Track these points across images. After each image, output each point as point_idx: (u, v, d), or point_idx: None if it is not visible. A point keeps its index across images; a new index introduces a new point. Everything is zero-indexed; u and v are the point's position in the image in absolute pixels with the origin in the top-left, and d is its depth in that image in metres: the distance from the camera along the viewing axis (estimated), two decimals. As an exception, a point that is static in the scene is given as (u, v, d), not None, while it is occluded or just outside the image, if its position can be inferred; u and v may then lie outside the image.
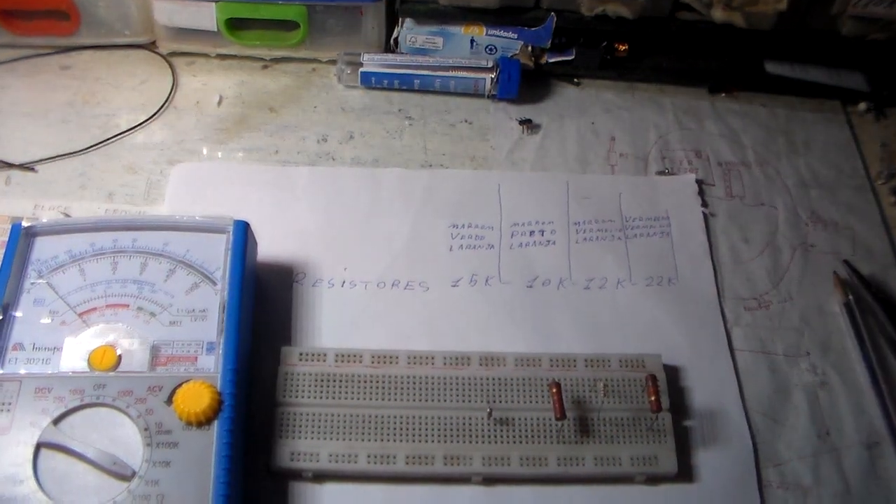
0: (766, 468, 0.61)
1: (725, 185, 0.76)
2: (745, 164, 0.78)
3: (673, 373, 0.64)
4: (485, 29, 0.79)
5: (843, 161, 0.79)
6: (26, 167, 0.72)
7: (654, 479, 0.59)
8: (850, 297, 0.69)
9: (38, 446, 0.52)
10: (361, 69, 0.79)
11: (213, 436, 0.53)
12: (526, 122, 0.78)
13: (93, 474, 0.51)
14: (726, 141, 0.79)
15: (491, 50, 0.80)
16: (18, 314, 0.58)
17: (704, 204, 0.74)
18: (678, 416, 0.62)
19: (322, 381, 0.59)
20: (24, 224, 0.61)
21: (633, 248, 0.71)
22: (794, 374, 0.66)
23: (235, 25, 0.78)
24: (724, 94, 0.83)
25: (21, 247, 0.60)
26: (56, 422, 0.53)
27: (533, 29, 0.79)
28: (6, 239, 0.60)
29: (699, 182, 0.76)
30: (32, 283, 0.59)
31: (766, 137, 0.80)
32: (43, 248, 0.61)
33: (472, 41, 0.80)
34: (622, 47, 0.82)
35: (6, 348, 0.56)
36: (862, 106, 0.84)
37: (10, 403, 0.53)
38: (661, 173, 0.76)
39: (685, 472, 0.59)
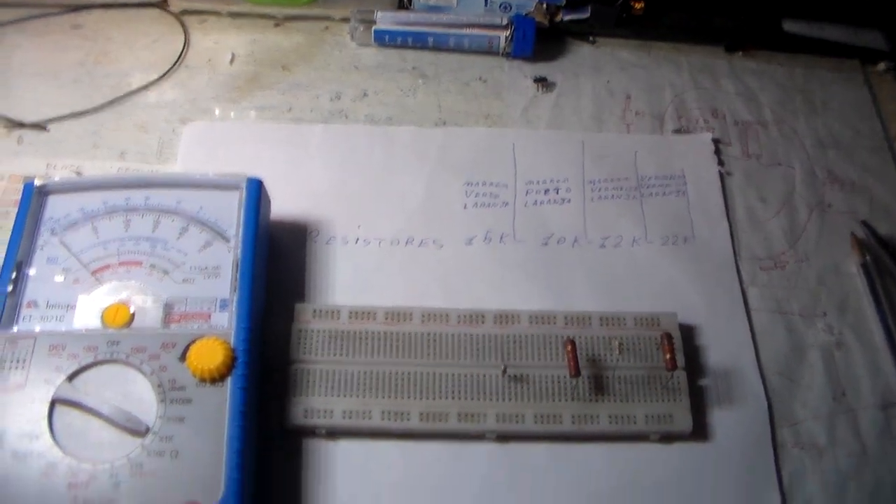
0: (781, 428, 0.61)
1: (742, 144, 0.75)
2: (761, 124, 0.77)
3: (688, 332, 0.63)
4: (499, -14, 0.78)
5: (861, 121, 0.79)
6: (38, 126, 0.71)
7: (668, 438, 0.59)
8: (868, 257, 0.68)
9: (53, 402, 0.52)
10: (375, 27, 0.78)
11: (226, 392, 0.53)
12: (541, 81, 0.78)
13: (107, 430, 0.51)
14: (743, 100, 0.78)
15: (505, 7, 0.79)
16: (32, 272, 0.58)
17: (721, 163, 0.74)
18: (693, 374, 0.61)
19: (336, 338, 0.59)
20: (37, 183, 0.60)
21: (648, 207, 0.70)
22: (810, 334, 0.66)
23: (247, -17, 0.77)
24: (741, 53, 0.82)
25: (34, 205, 0.60)
26: (70, 378, 0.53)
27: (548, -14, 0.78)
28: (19, 198, 0.60)
29: (715, 141, 0.75)
30: (45, 242, 0.59)
31: (783, 97, 0.79)
32: (56, 207, 0.60)
33: (486, -2, 0.79)
34: (638, 5, 0.81)
35: (20, 306, 0.56)
36: (881, 66, 0.83)
37: (24, 360, 0.53)
38: (676, 132, 0.76)
39: (700, 431, 0.59)
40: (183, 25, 0.80)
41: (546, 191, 0.71)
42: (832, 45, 0.82)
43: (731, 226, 0.70)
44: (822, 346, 0.65)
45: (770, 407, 0.61)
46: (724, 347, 0.63)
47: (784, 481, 0.59)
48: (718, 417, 0.60)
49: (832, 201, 0.73)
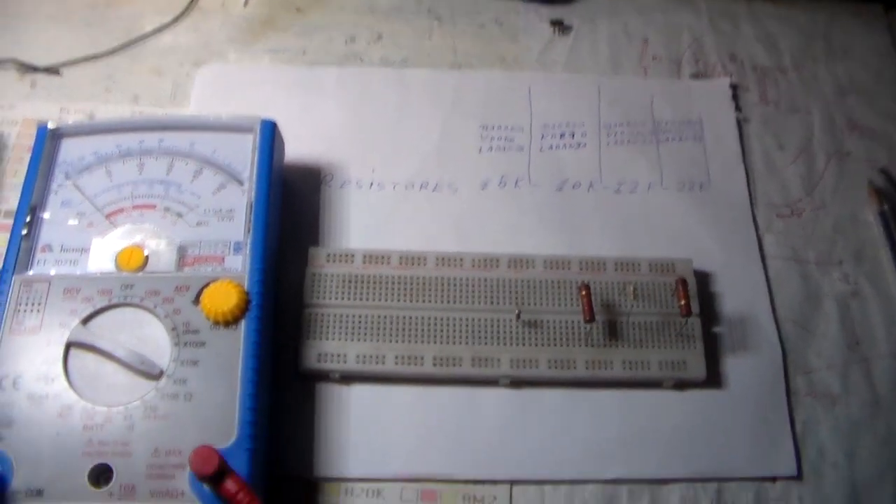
0: (795, 376, 0.61)
1: (760, 90, 0.74)
2: (780, 70, 0.76)
3: (703, 278, 0.63)
4: (516, -72, 0.77)
5: (882, 67, 0.77)
6: (51, 70, 0.71)
7: (682, 384, 0.59)
8: (886, 206, 0.67)
9: (68, 346, 0.52)
10: (390, -32, 0.77)
11: (240, 335, 0.53)
12: (557, 24, 0.76)
13: (122, 373, 0.52)
14: (762, 45, 0.77)
15: (522, -51, 0.78)
16: (46, 216, 0.58)
17: (738, 109, 0.73)
18: (708, 321, 0.61)
19: (349, 282, 0.59)
20: (50, 126, 0.60)
21: (664, 152, 0.70)
22: (826, 282, 0.65)
23: (261, -78, 0.76)
24: (761, -3, 0.81)
25: (47, 149, 0.60)
26: (85, 322, 0.53)
27: (565, -73, 0.77)
28: (33, 142, 0.60)
29: (733, 87, 0.74)
30: (59, 185, 0.59)
31: (803, 42, 0.78)
32: (69, 150, 0.60)
33: (503, -61, 0.78)
34: (657, -53, 0.80)
35: (35, 250, 0.56)
36: (904, 11, 0.82)
37: (39, 304, 0.53)
38: (694, 77, 0.75)
39: (714, 378, 0.59)
40: (196, -34, 0.79)
41: (562, 135, 0.70)
42: (854, -11, 0.81)
43: (747, 172, 0.69)
44: (838, 295, 0.65)
45: (784, 355, 0.61)
46: (739, 295, 0.63)
47: (797, 430, 0.59)
48: (732, 365, 0.60)
49: (851, 149, 0.72)
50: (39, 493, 0.48)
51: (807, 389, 0.60)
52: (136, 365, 0.51)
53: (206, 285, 0.54)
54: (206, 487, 0.48)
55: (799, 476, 0.57)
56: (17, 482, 0.48)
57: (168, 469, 0.49)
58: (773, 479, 0.57)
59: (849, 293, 0.65)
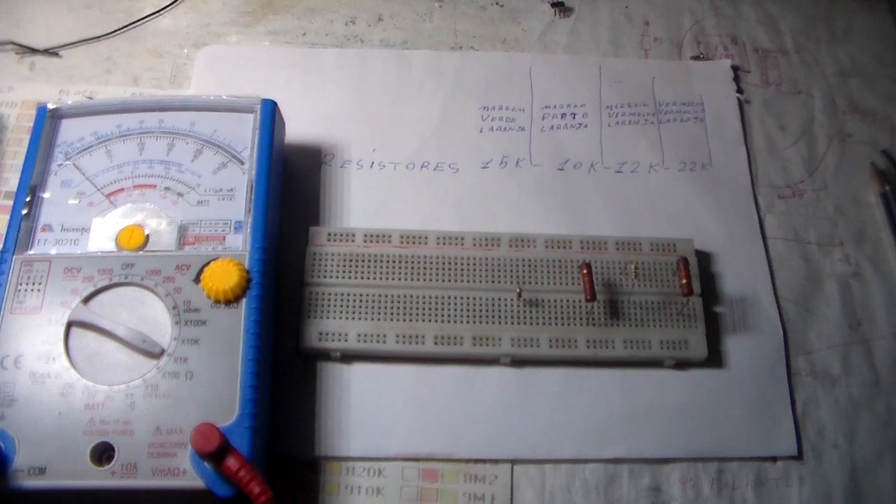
0: (796, 356, 0.61)
1: (762, 72, 0.74)
2: (782, 52, 0.76)
3: (704, 258, 0.63)
4: None
5: (884, 50, 0.77)
6: (50, 53, 0.71)
7: (683, 364, 0.59)
8: (887, 187, 0.67)
9: (69, 325, 0.52)
10: (390, -50, 0.77)
11: (241, 314, 0.53)
12: (558, 5, 0.76)
13: (123, 352, 0.52)
14: (764, 27, 0.77)
15: (523, -70, 0.78)
16: (46, 196, 0.58)
17: (739, 91, 0.73)
18: (709, 301, 0.61)
19: (350, 261, 0.59)
20: (50, 106, 0.60)
21: (666, 133, 0.70)
22: (827, 263, 0.65)
23: None
24: (762, -21, 0.81)
25: (47, 129, 0.60)
26: (86, 301, 0.53)
27: None
28: (32, 124, 0.60)
29: (735, 68, 0.74)
30: (59, 165, 0.59)
31: (805, 24, 0.78)
32: (69, 131, 0.60)
33: (503, -79, 0.78)
34: (659, -72, 0.79)
35: (35, 229, 0.56)
36: (906, -7, 0.81)
37: (40, 284, 0.53)
38: (695, 58, 0.74)
39: (714, 358, 0.59)
40: (196, -52, 0.78)
41: (563, 115, 0.70)
42: (856, -27, 0.81)
43: (749, 153, 0.69)
44: (839, 276, 0.65)
45: (785, 335, 0.61)
46: (740, 275, 0.63)
47: (797, 410, 0.59)
48: (733, 345, 0.60)
49: (852, 131, 0.72)
50: (42, 471, 0.48)
51: (807, 370, 0.61)
52: (137, 344, 0.51)
53: (207, 264, 0.54)
54: (207, 465, 0.48)
55: (799, 456, 0.58)
56: (19, 460, 0.48)
57: (170, 447, 0.49)
58: (774, 459, 0.57)
59: (850, 274, 0.65)
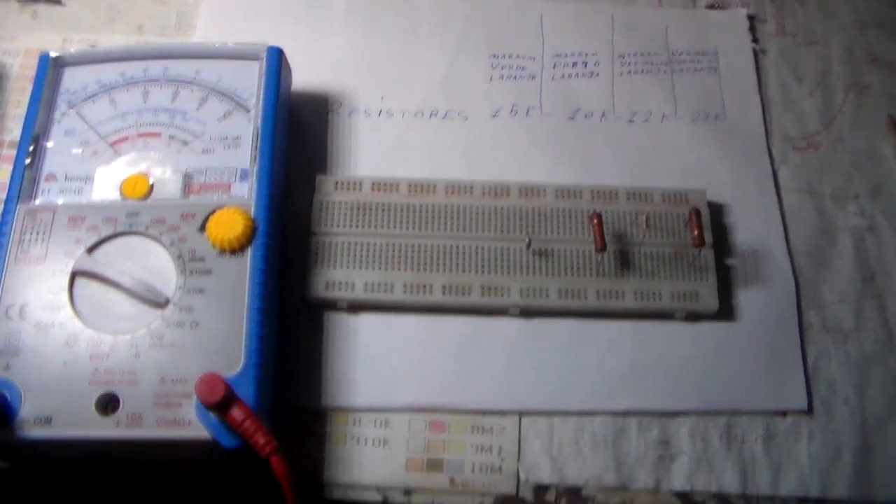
0: (808, 310, 0.60)
1: (778, 20, 0.73)
2: (799, 0, 0.74)
3: (717, 210, 0.62)
4: None
5: (904, -1, 0.76)
6: (52, 1, 0.70)
7: (693, 316, 0.58)
8: (904, 140, 0.67)
9: (74, 275, 0.52)
10: None
11: (247, 263, 0.52)
12: (571, -48, 0.75)
13: (127, 302, 0.51)
14: (781, -26, 0.76)
15: None
16: (50, 145, 0.57)
17: (755, 40, 0.71)
18: (720, 253, 0.61)
19: (358, 210, 0.58)
20: (53, 55, 0.60)
21: (679, 83, 0.69)
22: (841, 216, 0.64)
23: None
24: (780, -75, 0.79)
25: (50, 78, 0.59)
26: (90, 251, 0.53)
27: None
28: (35, 73, 0.59)
29: (750, 17, 0.73)
30: (63, 114, 0.58)
31: (823, -28, 0.76)
32: (72, 79, 0.60)
33: None
34: None
35: (39, 179, 0.56)
36: (929, -59, 0.80)
37: (44, 233, 0.53)
38: (710, 7, 0.73)
39: (726, 311, 0.59)
40: None
41: (574, 64, 0.69)
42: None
43: (763, 104, 0.68)
44: (853, 229, 0.64)
45: (797, 289, 0.61)
46: (752, 227, 0.63)
47: (808, 364, 0.58)
48: (745, 297, 0.60)
49: (870, 82, 0.71)
50: (48, 420, 0.48)
51: (819, 323, 0.60)
52: (142, 293, 0.51)
53: (212, 213, 0.53)
54: (212, 415, 0.47)
55: (809, 410, 0.57)
56: (25, 410, 0.48)
57: (175, 397, 0.48)
58: (784, 413, 0.57)
59: (864, 227, 0.64)
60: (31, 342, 0.50)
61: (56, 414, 0.48)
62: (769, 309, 0.60)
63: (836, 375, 0.58)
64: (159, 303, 0.51)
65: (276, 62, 0.60)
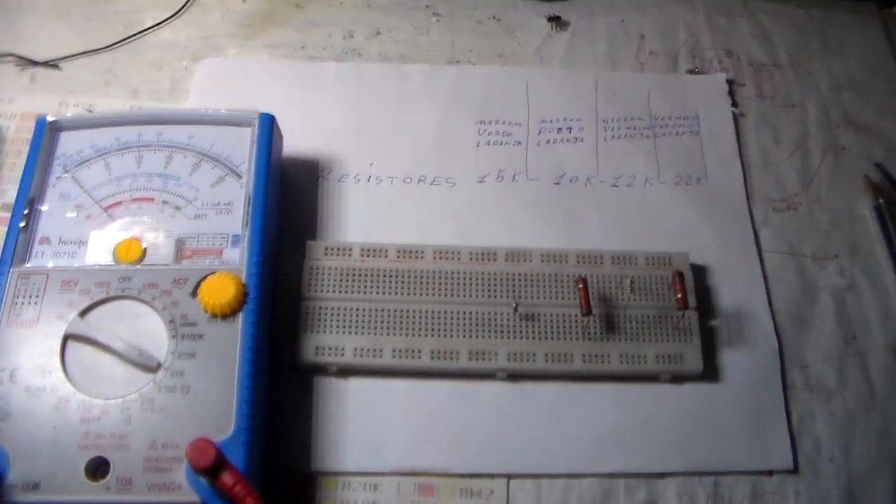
0: (792, 370, 0.61)
1: (756, 85, 0.75)
2: (776, 65, 0.76)
3: (700, 272, 0.63)
4: (513, -75, 0.77)
5: (877, 64, 0.77)
6: (50, 65, 0.71)
7: (678, 378, 0.59)
8: (881, 200, 0.67)
9: (66, 338, 0.52)
10: (388, -36, 0.77)
11: (238, 328, 0.53)
12: (554, 19, 0.77)
13: (119, 366, 0.52)
14: (758, 41, 0.77)
15: (519, -55, 0.78)
16: (44, 208, 0.58)
17: (734, 104, 0.73)
18: (704, 315, 0.61)
19: (347, 275, 0.59)
20: (49, 119, 0.60)
21: (661, 147, 0.70)
22: (822, 276, 0.65)
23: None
24: (756, -7, 0.81)
25: (46, 141, 0.60)
26: (83, 314, 0.53)
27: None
28: (31, 136, 0.60)
29: (730, 82, 0.74)
30: (58, 178, 0.59)
31: (799, 38, 0.78)
32: (68, 143, 0.60)
33: (501, -64, 0.78)
34: (655, -58, 0.80)
35: (33, 242, 0.56)
36: (899, 7, 0.82)
37: (37, 296, 0.53)
38: (690, 72, 0.75)
39: (710, 372, 0.59)
40: (194, -38, 0.79)
41: (559, 129, 0.70)
42: (850, -14, 0.81)
43: (744, 167, 0.70)
44: (834, 289, 0.65)
45: (781, 349, 0.61)
46: (735, 289, 0.63)
47: (793, 423, 0.59)
48: (729, 358, 0.60)
49: (846, 144, 0.72)
50: (36, 486, 0.48)
51: (803, 383, 0.61)
52: (134, 357, 0.51)
53: (204, 278, 0.54)
54: (203, 480, 0.48)
55: (795, 470, 0.57)
56: (13, 475, 0.48)
57: (165, 462, 0.49)
58: (770, 473, 0.57)
59: (845, 287, 0.65)
60: (22, 406, 0.50)
61: (45, 479, 0.48)
62: (753, 369, 0.60)
63: (821, 434, 0.59)
64: (151, 367, 0.51)
65: (268, 128, 0.60)
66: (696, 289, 0.60)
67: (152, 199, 0.58)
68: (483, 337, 0.58)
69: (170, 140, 0.60)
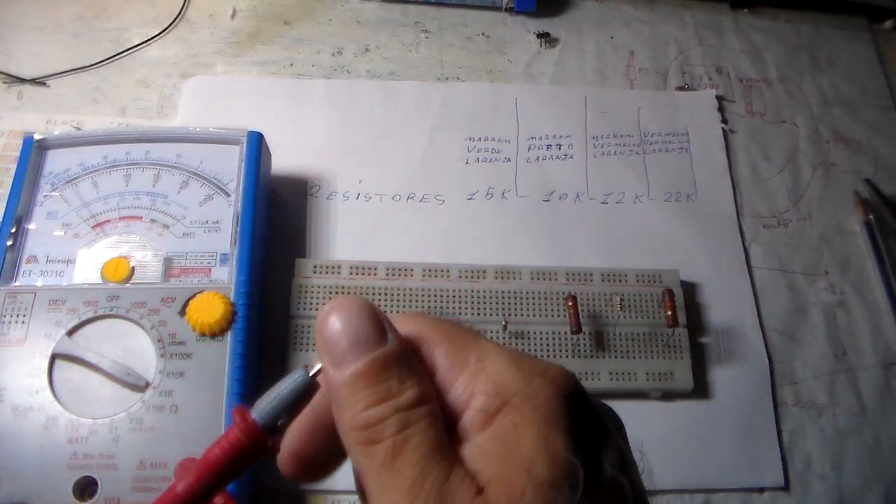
0: (782, 386, 0.61)
1: (746, 101, 0.75)
2: (766, 81, 0.76)
3: (690, 289, 0.63)
4: (503, -60, 0.77)
5: (867, 79, 0.78)
6: (38, 82, 0.71)
7: (669, 395, 0.59)
8: (871, 216, 0.68)
9: (53, 357, 0.52)
10: (377, -19, 0.77)
11: (226, 346, 0.53)
12: (544, 36, 0.77)
13: (107, 385, 0.52)
14: (748, 57, 0.78)
15: (508, -38, 0.78)
16: (32, 227, 0.57)
17: (724, 120, 0.73)
18: (695, 332, 0.61)
19: (336, 293, 0.59)
20: (37, 137, 0.60)
21: (651, 164, 0.70)
22: (812, 292, 0.65)
23: (248, -65, 0.76)
24: (746, 10, 0.81)
25: (33, 160, 0.60)
26: (70, 333, 0.53)
27: (552, -60, 0.77)
28: (18, 154, 0.60)
29: (719, 98, 0.74)
30: (46, 196, 0.59)
31: (788, 54, 0.79)
32: (55, 161, 0.60)
33: (489, -48, 0.78)
34: (643, -40, 0.80)
35: (20, 261, 0.56)
36: (888, 23, 0.82)
37: (24, 315, 0.53)
38: (680, 89, 0.75)
39: (701, 389, 0.60)
40: (183, -21, 0.79)
41: (548, 146, 0.70)
42: (838, 3, 0.82)
43: (733, 183, 0.70)
44: (824, 305, 0.65)
45: (771, 365, 0.62)
46: (725, 305, 0.63)
47: (784, 440, 0.59)
48: (719, 375, 0.61)
49: (836, 160, 0.72)
50: (23, 506, 0.47)
51: (793, 399, 0.61)
52: (122, 377, 0.51)
53: (193, 297, 0.54)
54: (191, 500, 0.47)
55: (786, 486, 0.58)
56: (1, 495, 0.47)
57: (153, 481, 0.48)
58: (761, 490, 0.57)
59: (835, 303, 0.65)
60: (9, 426, 0.49)
61: (32, 499, 0.48)
62: (743, 386, 0.60)
63: (811, 451, 0.59)
64: (139, 386, 0.51)
65: (256, 146, 0.60)
66: (685, 306, 0.60)
67: (140, 218, 0.58)
68: (472, 355, 0.57)
69: (158, 158, 0.60)
